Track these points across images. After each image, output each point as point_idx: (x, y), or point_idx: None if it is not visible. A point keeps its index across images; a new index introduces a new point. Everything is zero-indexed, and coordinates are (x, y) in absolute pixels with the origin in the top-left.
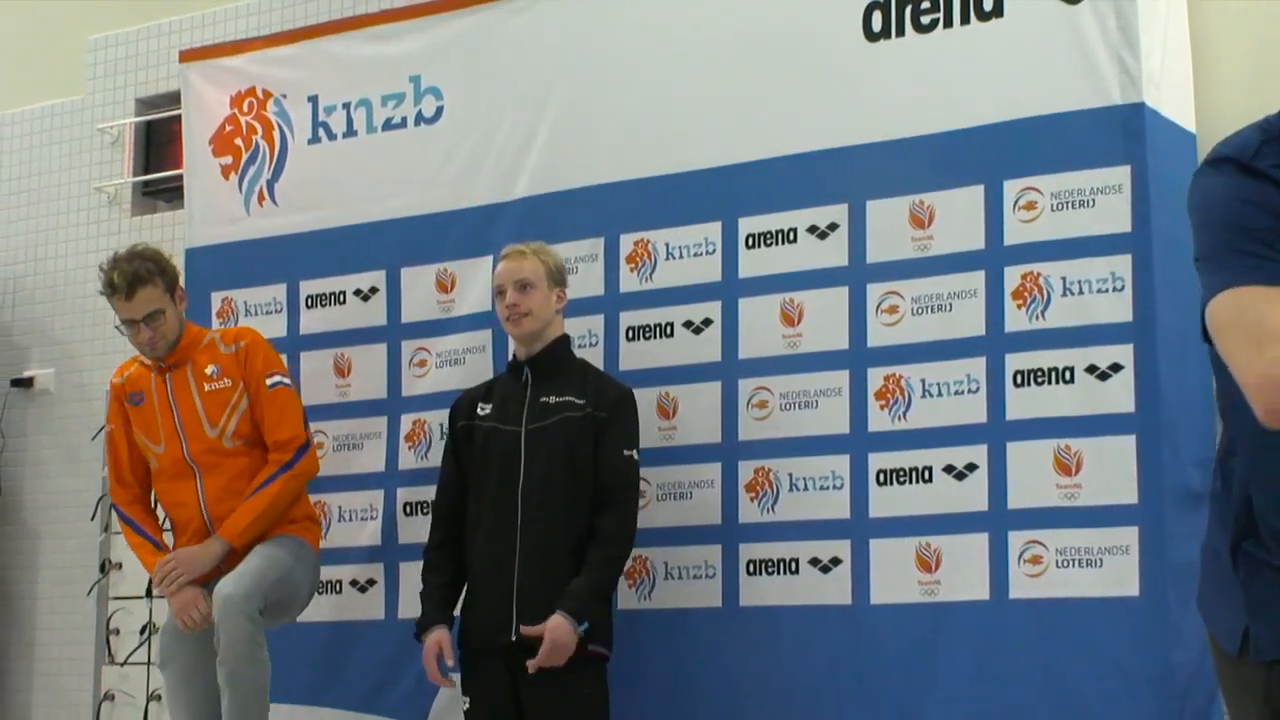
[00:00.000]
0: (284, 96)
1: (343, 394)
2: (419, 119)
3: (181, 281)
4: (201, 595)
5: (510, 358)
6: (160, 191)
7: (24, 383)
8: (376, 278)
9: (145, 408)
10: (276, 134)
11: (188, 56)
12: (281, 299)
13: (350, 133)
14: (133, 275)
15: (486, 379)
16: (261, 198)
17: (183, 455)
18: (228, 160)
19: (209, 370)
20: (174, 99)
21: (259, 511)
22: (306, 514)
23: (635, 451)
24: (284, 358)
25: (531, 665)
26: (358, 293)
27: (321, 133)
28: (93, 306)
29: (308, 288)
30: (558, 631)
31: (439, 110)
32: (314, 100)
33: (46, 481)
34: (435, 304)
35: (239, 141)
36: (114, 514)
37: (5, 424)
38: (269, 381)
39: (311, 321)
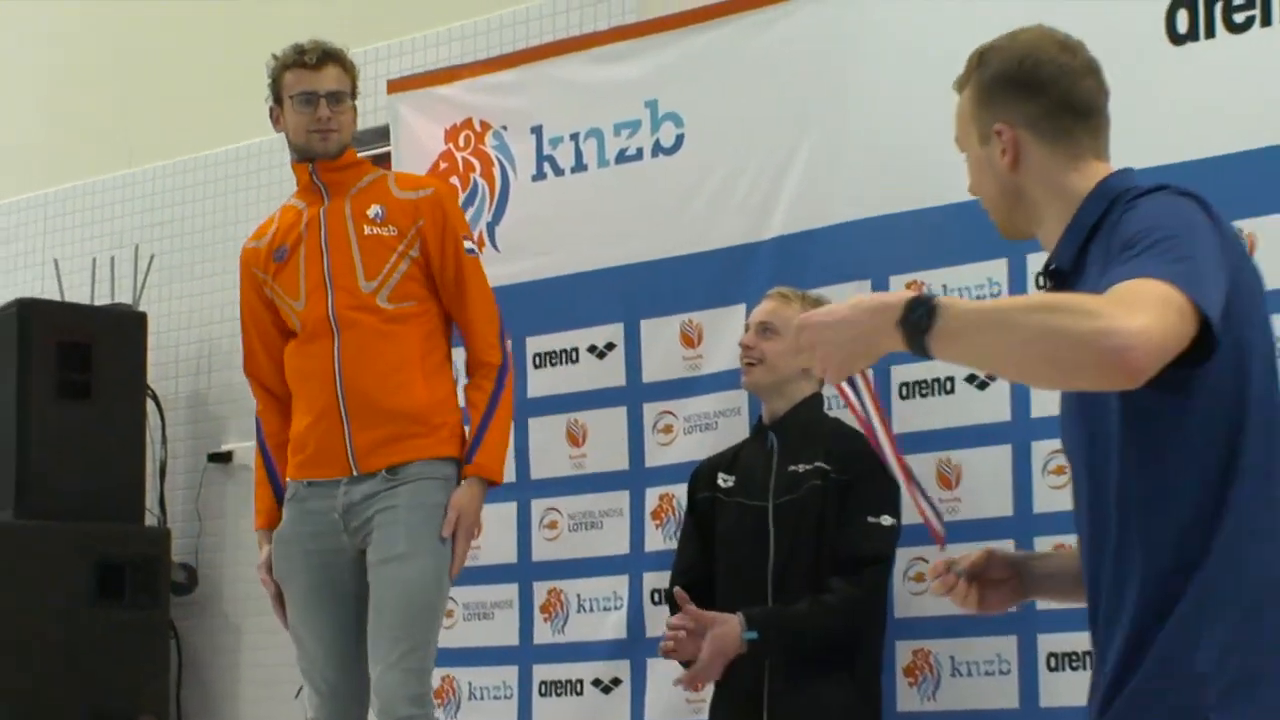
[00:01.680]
0: (504, 128)
1: (578, 465)
2: (657, 149)
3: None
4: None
5: (756, 420)
6: None
7: (222, 457)
8: (613, 332)
9: (289, 261)
10: (497, 170)
11: (396, 86)
12: None
13: (580, 167)
14: (325, 48)
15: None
16: (481, 243)
17: (326, 312)
18: None
19: (371, 212)
20: (382, 134)
21: (506, 439)
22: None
23: (889, 519)
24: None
25: (685, 678)
26: (592, 349)
27: (547, 168)
28: None
29: (535, 344)
30: (725, 625)
31: (679, 139)
32: (538, 131)
33: (248, 568)
34: (680, 361)
35: (455, 180)
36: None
37: (202, 504)
38: (467, 245)
39: (540, 383)
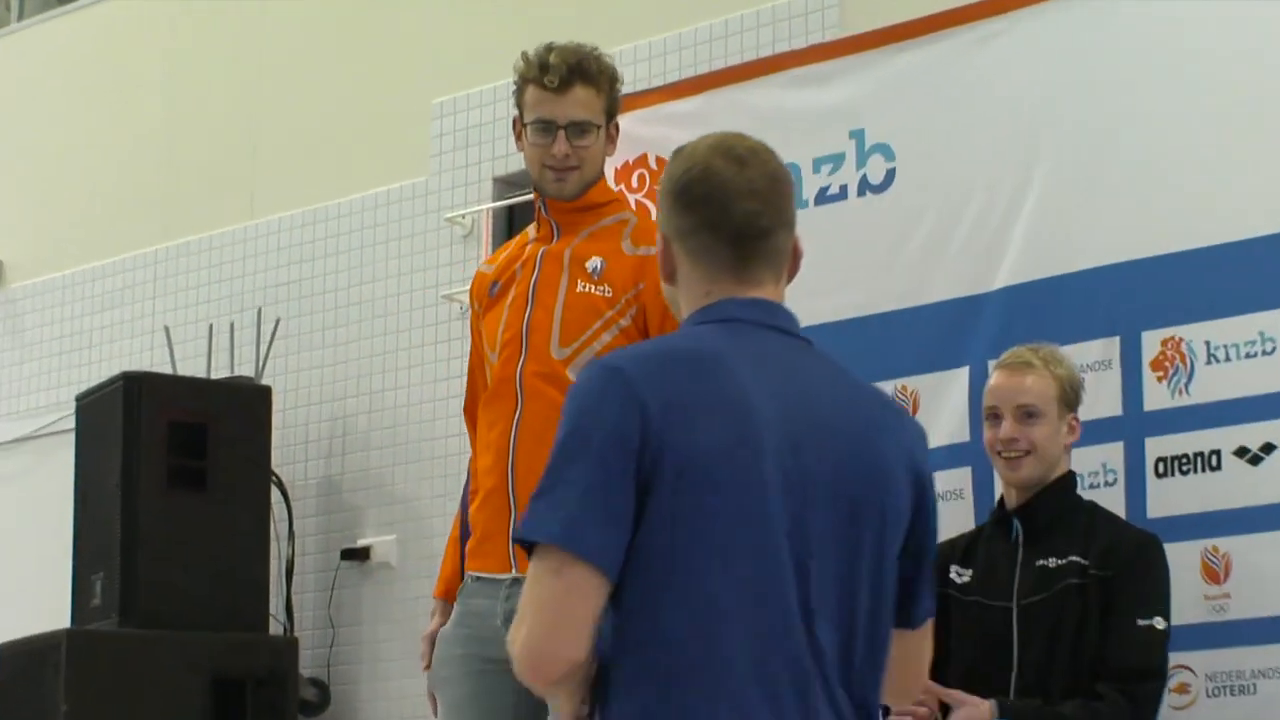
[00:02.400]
0: None
1: None
2: (864, 187)
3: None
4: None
5: (996, 503)
6: None
7: (358, 554)
8: None
9: (499, 302)
10: None
11: None
12: None
13: None
14: (578, 62)
15: (967, 530)
16: None
17: (514, 372)
18: None
19: (590, 264)
20: None
21: None
22: None
23: (1162, 621)
24: None
25: None
26: None
27: None
28: (444, 452)
29: None
30: (974, 708)
31: (889, 174)
32: None
33: (388, 684)
34: None
35: None
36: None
37: (334, 608)
38: None
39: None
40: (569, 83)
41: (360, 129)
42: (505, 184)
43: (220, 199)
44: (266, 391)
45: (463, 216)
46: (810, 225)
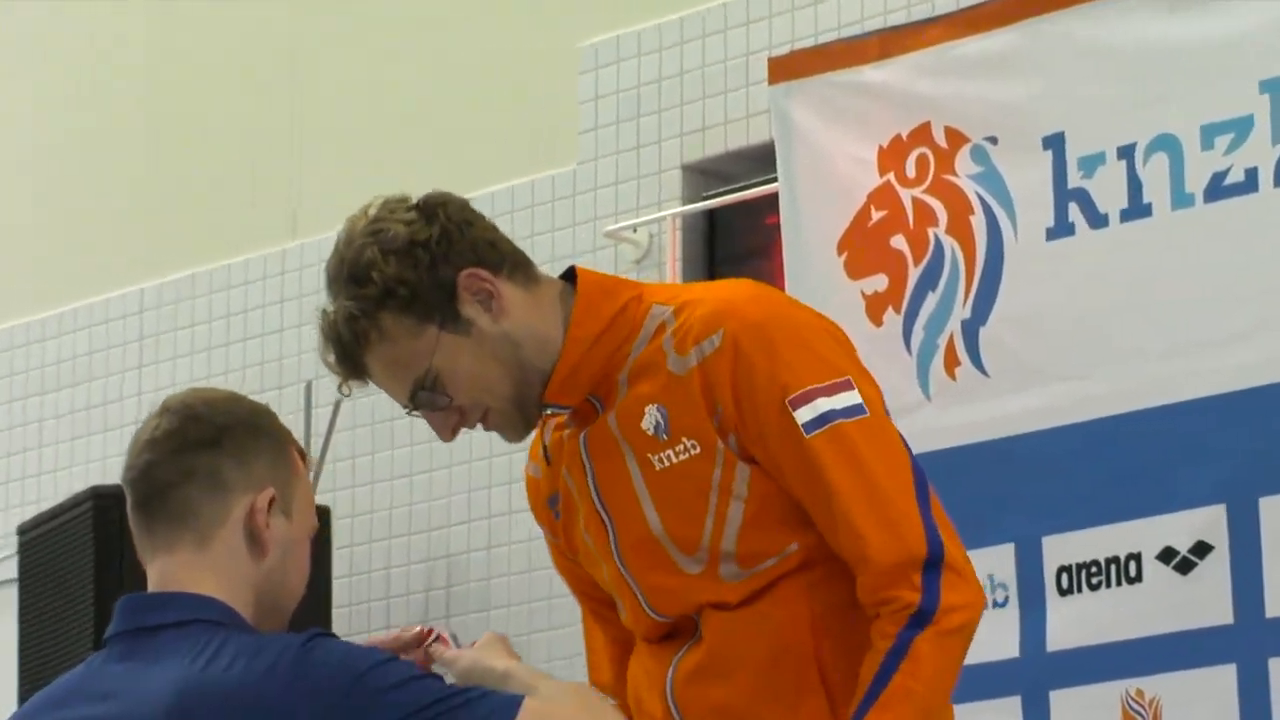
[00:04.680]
0: (991, 141)
1: None
2: None
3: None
4: None
5: None
6: None
7: None
8: (1206, 523)
9: (572, 527)
10: (979, 221)
11: (781, 69)
12: (1006, 574)
13: (1137, 211)
14: (340, 337)
15: None
16: (953, 360)
17: (637, 600)
18: (878, 283)
19: (648, 422)
20: (756, 161)
21: None
22: None
23: None
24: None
25: None
26: (1166, 556)
27: (1076, 214)
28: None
29: (1057, 550)
30: None
31: None
32: (1056, 145)
33: None
34: None
35: (899, 242)
36: None
37: None
38: (803, 419)
39: (1064, 624)
40: (352, 363)
41: (459, 94)
42: (698, 174)
43: (248, 214)
44: (323, 514)
45: (634, 229)
46: (1200, 235)
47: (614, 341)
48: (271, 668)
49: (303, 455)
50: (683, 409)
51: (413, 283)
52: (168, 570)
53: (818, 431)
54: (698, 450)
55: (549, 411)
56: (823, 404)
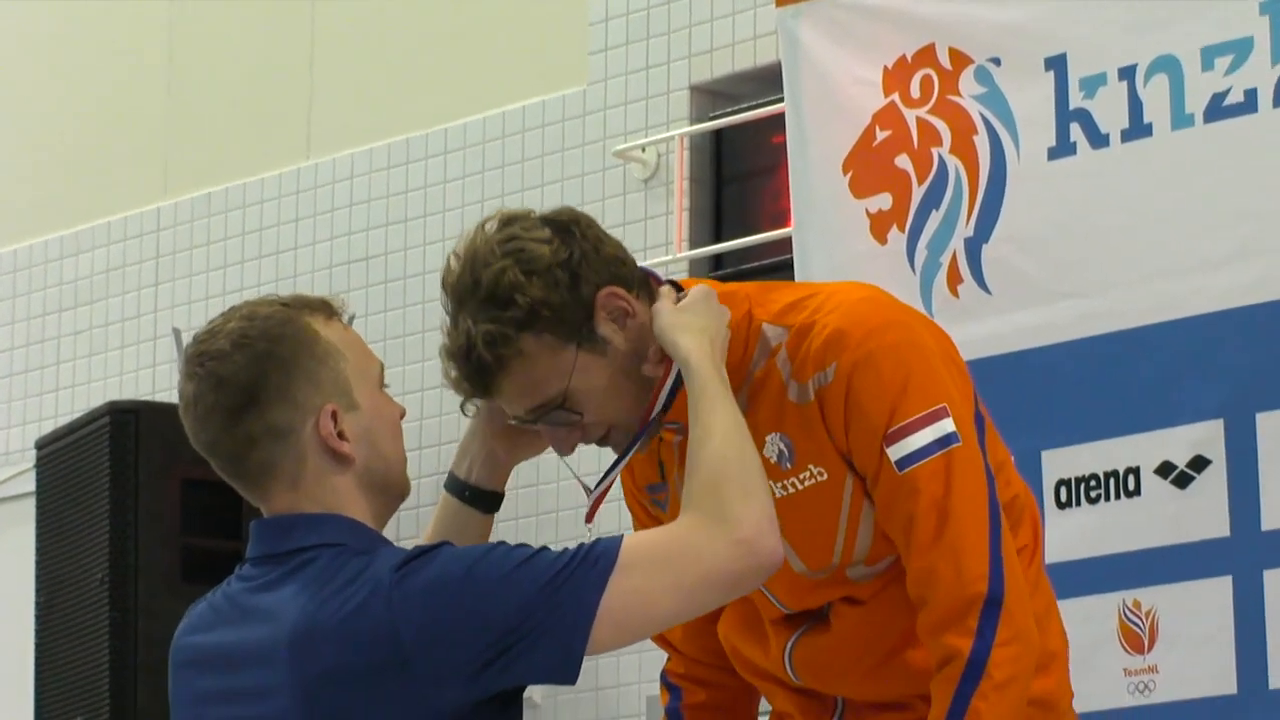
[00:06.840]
0: (994, 62)
1: (1140, 690)
2: None
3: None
4: None
5: None
6: (747, 272)
7: None
8: (1205, 436)
9: (674, 510)
10: (982, 141)
11: None
12: None
13: (1137, 131)
14: (476, 365)
15: None
16: (955, 277)
17: (763, 595)
18: (883, 202)
19: (770, 449)
20: (763, 82)
21: None
22: None
23: None
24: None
25: None
26: (1164, 470)
27: (1078, 134)
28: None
29: (1058, 464)
30: None
31: None
32: (1059, 66)
33: None
34: None
35: (904, 161)
36: None
37: None
38: (895, 455)
39: (1067, 534)
40: (489, 384)
41: (471, 16)
42: (706, 95)
43: (262, 133)
44: None
45: (642, 149)
46: (1200, 155)
47: (732, 359)
48: (370, 598)
49: (334, 313)
50: (807, 439)
51: (555, 304)
52: (278, 512)
53: (909, 469)
54: (825, 476)
55: (669, 427)
56: (915, 440)
